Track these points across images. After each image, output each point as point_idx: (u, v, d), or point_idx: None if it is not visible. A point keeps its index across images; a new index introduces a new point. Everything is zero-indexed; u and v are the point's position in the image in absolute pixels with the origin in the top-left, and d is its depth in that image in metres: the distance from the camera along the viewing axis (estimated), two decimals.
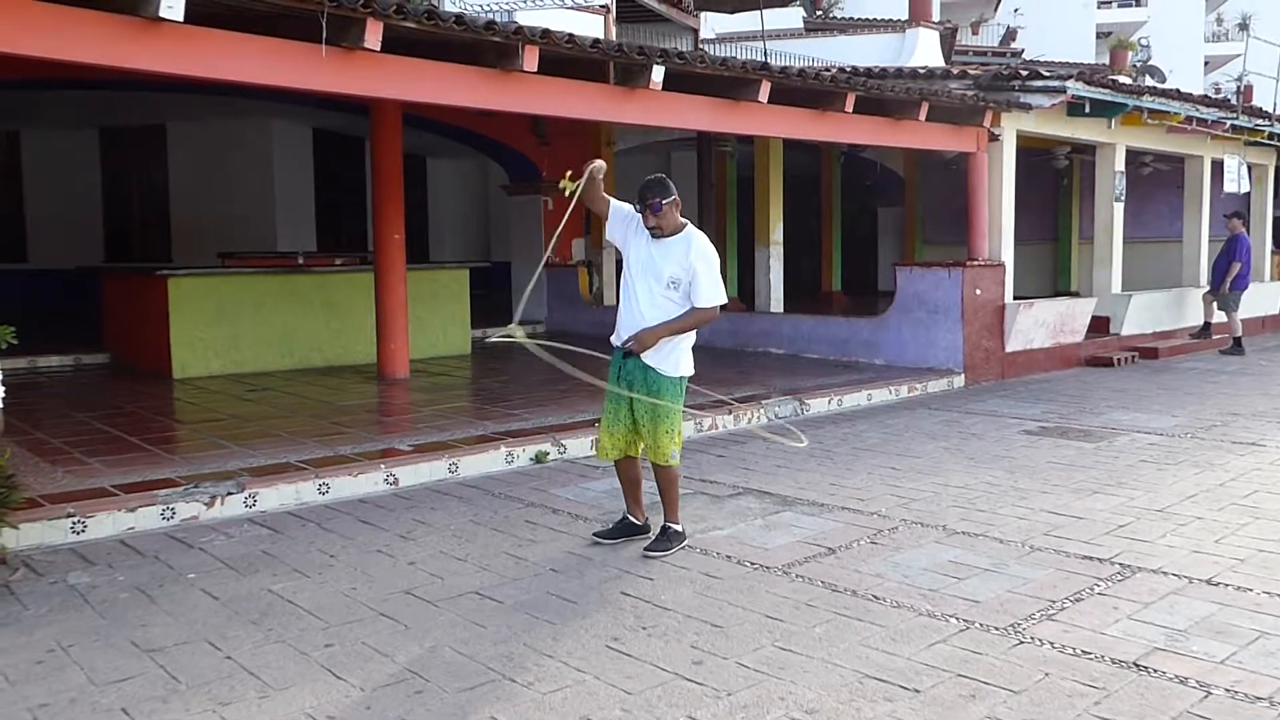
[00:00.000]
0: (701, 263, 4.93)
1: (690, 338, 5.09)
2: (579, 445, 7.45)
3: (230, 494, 5.89)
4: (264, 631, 4.10)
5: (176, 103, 14.24)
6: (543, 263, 4.58)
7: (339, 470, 6.37)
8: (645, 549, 5.06)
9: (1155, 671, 3.65)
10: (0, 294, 15.15)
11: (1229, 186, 14.55)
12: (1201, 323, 14.27)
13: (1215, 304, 13.99)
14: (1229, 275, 13.65)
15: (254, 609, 4.35)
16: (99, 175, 17.09)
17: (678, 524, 5.18)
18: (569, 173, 4.90)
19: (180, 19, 5.47)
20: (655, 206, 4.87)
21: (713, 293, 4.98)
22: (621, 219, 5.09)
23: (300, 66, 6.27)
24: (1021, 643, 3.92)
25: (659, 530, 5.19)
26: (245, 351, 10.80)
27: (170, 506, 5.68)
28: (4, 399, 4.47)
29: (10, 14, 5.16)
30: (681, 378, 5.08)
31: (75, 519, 5.37)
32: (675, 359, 5.03)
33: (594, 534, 5.32)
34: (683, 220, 5.03)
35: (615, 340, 5.12)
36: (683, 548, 5.12)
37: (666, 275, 4.93)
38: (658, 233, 4.93)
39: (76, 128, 16.59)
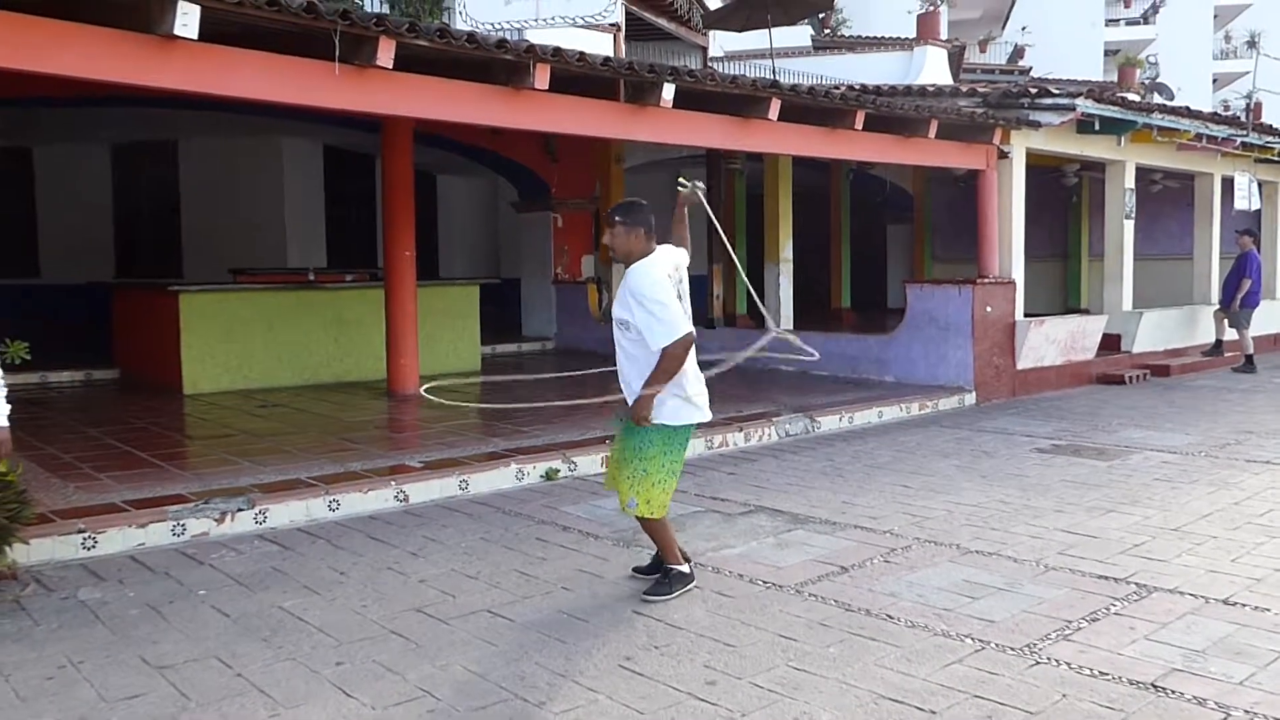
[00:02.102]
0: (636, 298, 4.42)
1: (673, 384, 4.49)
2: (590, 462, 7.43)
3: (240, 510, 5.88)
4: (274, 649, 4.08)
5: (188, 119, 14.30)
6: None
7: (349, 487, 6.36)
8: (644, 593, 4.66)
9: (1173, 693, 3.61)
10: (13, 309, 15.22)
11: (1239, 204, 14.52)
12: (1214, 340, 14.21)
13: (1227, 321, 13.94)
14: (1239, 292, 13.61)
15: (264, 626, 4.34)
16: (110, 191, 17.15)
17: (676, 563, 4.72)
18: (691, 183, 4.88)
19: (194, 37, 5.50)
20: (609, 219, 4.53)
21: (660, 333, 4.37)
22: None
23: (313, 84, 6.30)
24: (1038, 663, 3.89)
25: (660, 573, 4.78)
26: (256, 367, 10.82)
27: (181, 522, 5.67)
28: (10, 415, 4.46)
29: (27, 32, 5.19)
30: (662, 426, 4.54)
31: (86, 534, 5.36)
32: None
33: (633, 569, 5.01)
34: (650, 247, 4.56)
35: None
36: (687, 590, 4.68)
37: (620, 318, 4.54)
38: (615, 258, 4.62)
39: (88, 143, 16.66)
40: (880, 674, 3.80)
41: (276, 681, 3.77)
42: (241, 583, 4.94)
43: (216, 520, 5.78)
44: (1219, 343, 14.11)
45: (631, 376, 4.58)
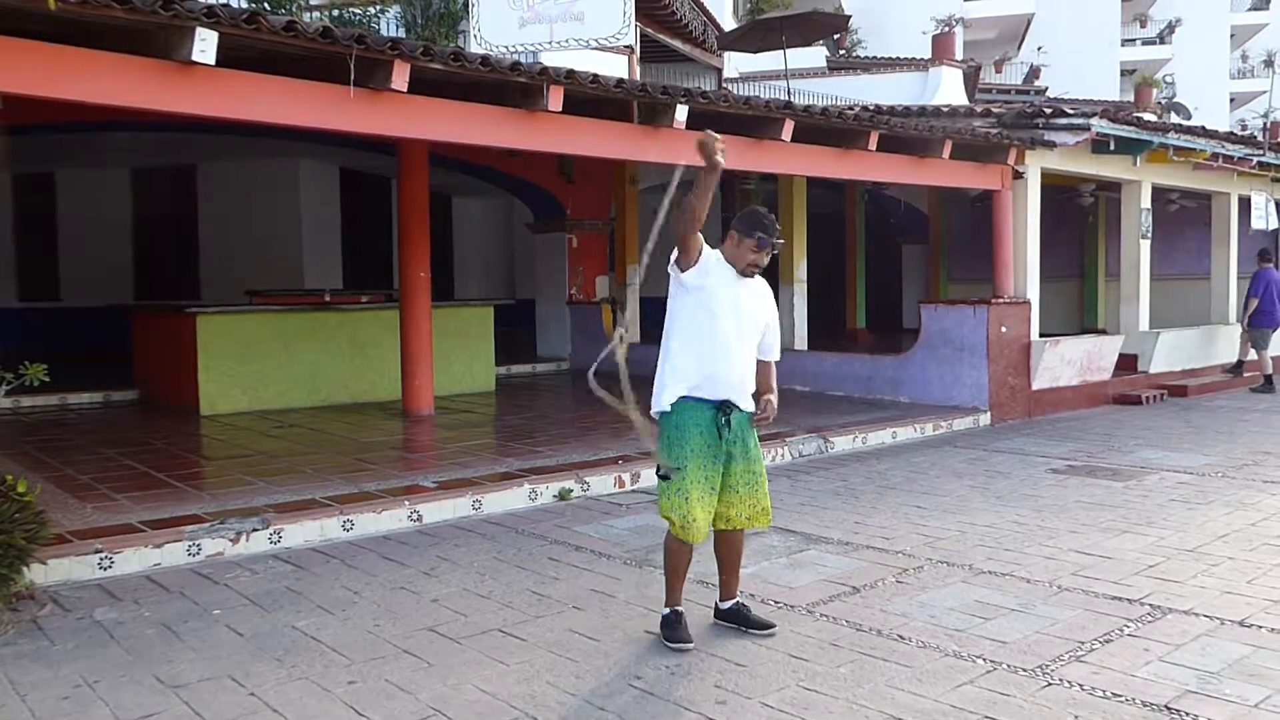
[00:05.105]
0: (775, 311, 4.58)
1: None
2: (602, 483, 7.44)
3: (255, 530, 5.91)
4: (287, 668, 4.10)
5: (206, 143, 14.47)
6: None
7: (363, 507, 6.39)
8: (763, 629, 4.48)
9: (1187, 715, 3.59)
10: (33, 331, 15.41)
11: (1256, 223, 14.46)
12: (1235, 359, 14.10)
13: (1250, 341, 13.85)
14: (1247, 312, 13.59)
15: (278, 645, 4.36)
16: (130, 215, 17.35)
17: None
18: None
19: (212, 62, 5.58)
20: (778, 246, 4.38)
21: (779, 346, 4.64)
22: (704, 261, 4.32)
23: (329, 107, 6.37)
24: (1050, 684, 3.87)
25: (739, 606, 4.59)
26: (272, 388, 10.89)
27: (196, 542, 5.70)
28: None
29: (49, 59, 5.28)
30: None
31: (102, 555, 5.40)
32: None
33: (676, 643, 4.32)
34: None
35: (708, 394, 4.31)
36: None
37: (762, 320, 4.44)
38: (752, 272, 4.39)
39: (109, 168, 16.87)
40: (891, 694, 3.79)
41: (289, 701, 3.78)
42: (256, 602, 4.96)
43: (232, 540, 5.81)
44: (1240, 362, 14.01)
45: (747, 378, 4.41)
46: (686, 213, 4.23)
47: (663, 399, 4.37)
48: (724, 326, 4.29)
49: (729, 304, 4.31)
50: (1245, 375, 13.94)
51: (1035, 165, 11.54)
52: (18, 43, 5.15)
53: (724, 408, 4.33)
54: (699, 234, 4.28)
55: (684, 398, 4.33)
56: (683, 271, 4.33)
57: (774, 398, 4.45)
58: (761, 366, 4.50)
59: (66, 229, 17.11)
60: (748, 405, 4.40)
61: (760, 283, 4.48)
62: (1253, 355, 13.82)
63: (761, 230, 4.30)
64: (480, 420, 10.51)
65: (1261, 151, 13.99)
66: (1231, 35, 46.03)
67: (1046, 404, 11.52)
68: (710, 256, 4.35)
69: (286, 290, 13.36)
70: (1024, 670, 4.00)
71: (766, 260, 4.37)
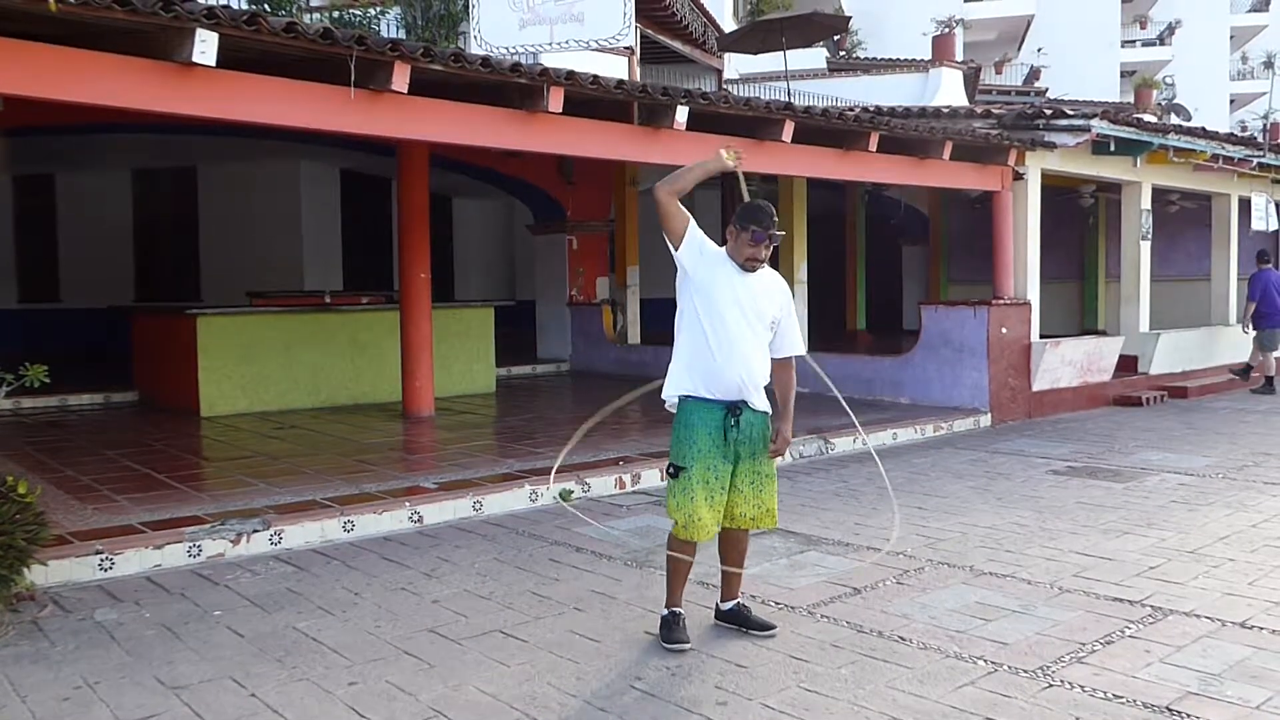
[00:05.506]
0: (787, 301, 4.47)
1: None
2: (603, 484, 7.44)
3: (256, 531, 5.91)
4: (288, 669, 4.10)
5: (207, 145, 14.48)
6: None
7: (364, 508, 6.39)
8: (763, 629, 4.48)
9: (1189, 716, 3.59)
10: (34, 333, 15.41)
11: (1256, 224, 14.46)
12: (1244, 362, 14.00)
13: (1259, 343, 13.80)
14: (1246, 315, 13.57)
15: (279, 647, 4.36)
16: (130, 216, 17.35)
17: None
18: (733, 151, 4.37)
19: (212, 64, 5.58)
20: (776, 238, 4.31)
21: (800, 341, 4.54)
22: (700, 242, 4.35)
23: (329, 109, 6.37)
24: (1051, 686, 3.86)
25: (740, 606, 4.57)
26: (272, 390, 10.89)
27: (197, 544, 5.70)
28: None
29: (50, 61, 5.28)
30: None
31: (103, 556, 5.40)
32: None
33: (674, 644, 4.31)
34: None
35: (717, 394, 4.30)
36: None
37: (769, 315, 4.35)
38: (753, 266, 4.33)
39: (109, 170, 16.87)
40: (892, 695, 3.79)
41: (290, 702, 3.78)
42: (256, 603, 4.96)
43: (232, 541, 5.81)
44: (1248, 366, 13.90)
45: (759, 377, 4.35)
46: (667, 178, 4.28)
47: (670, 390, 4.39)
48: (729, 325, 4.26)
49: (732, 301, 4.27)
50: (1250, 377, 13.90)
51: (1035, 166, 11.54)
52: (18, 44, 5.15)
53: (734, 409, 4.30)
54: (683, 209, 4.33)
55: (692, 397, 4.34)
56: (676, 250, 4.35)
57: (788, 429, 4.41)
58: (778, 366, 4.48)
59: (66, 230, 17.10)
60: (761, 405, 4.38)
61: (770, 275, 4.44)
62: (1261, 357, 13.79)
63: (755, 223, 4.26)
64: (481, 421, 10.50)
65: (1261, 153, 13.98)
66: (1231, 37, 46.08)
67: (1047, 405, 11.52)
68: (711, 247, 4.37)
69: (287, 292, 13.37)
70: (1025, 672, 4.00)
71: (766, 254, 4.33)
